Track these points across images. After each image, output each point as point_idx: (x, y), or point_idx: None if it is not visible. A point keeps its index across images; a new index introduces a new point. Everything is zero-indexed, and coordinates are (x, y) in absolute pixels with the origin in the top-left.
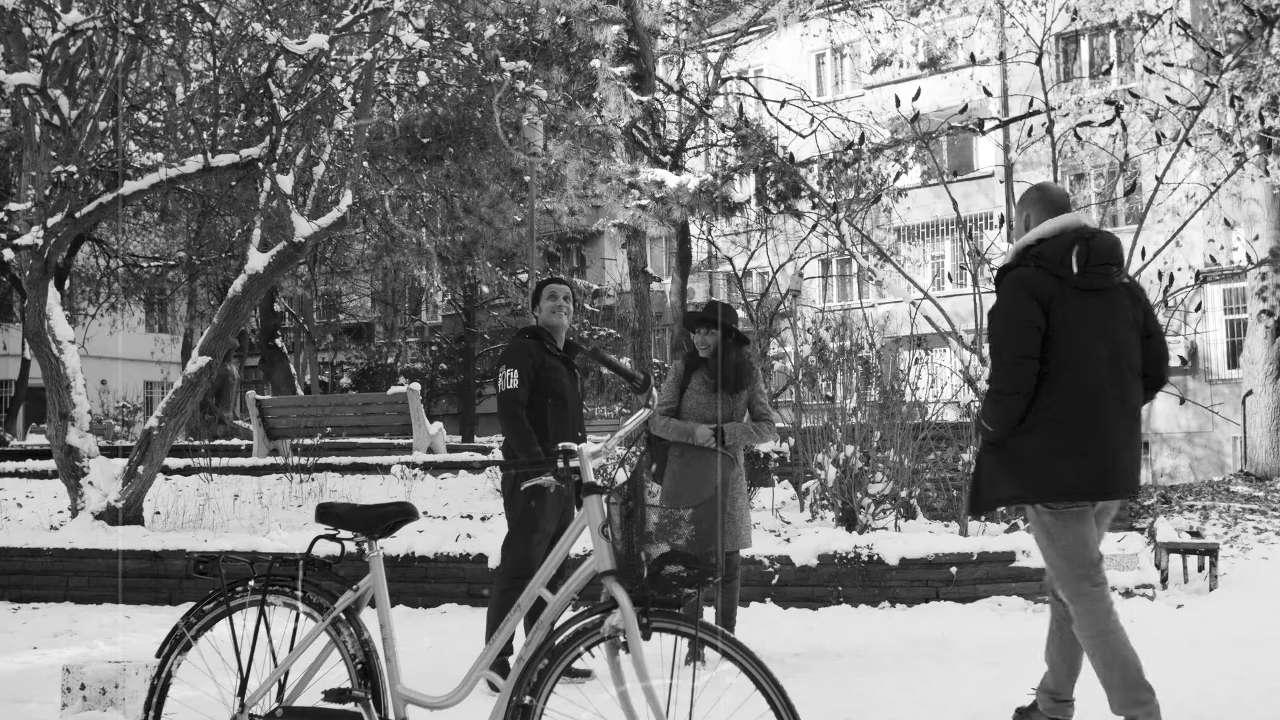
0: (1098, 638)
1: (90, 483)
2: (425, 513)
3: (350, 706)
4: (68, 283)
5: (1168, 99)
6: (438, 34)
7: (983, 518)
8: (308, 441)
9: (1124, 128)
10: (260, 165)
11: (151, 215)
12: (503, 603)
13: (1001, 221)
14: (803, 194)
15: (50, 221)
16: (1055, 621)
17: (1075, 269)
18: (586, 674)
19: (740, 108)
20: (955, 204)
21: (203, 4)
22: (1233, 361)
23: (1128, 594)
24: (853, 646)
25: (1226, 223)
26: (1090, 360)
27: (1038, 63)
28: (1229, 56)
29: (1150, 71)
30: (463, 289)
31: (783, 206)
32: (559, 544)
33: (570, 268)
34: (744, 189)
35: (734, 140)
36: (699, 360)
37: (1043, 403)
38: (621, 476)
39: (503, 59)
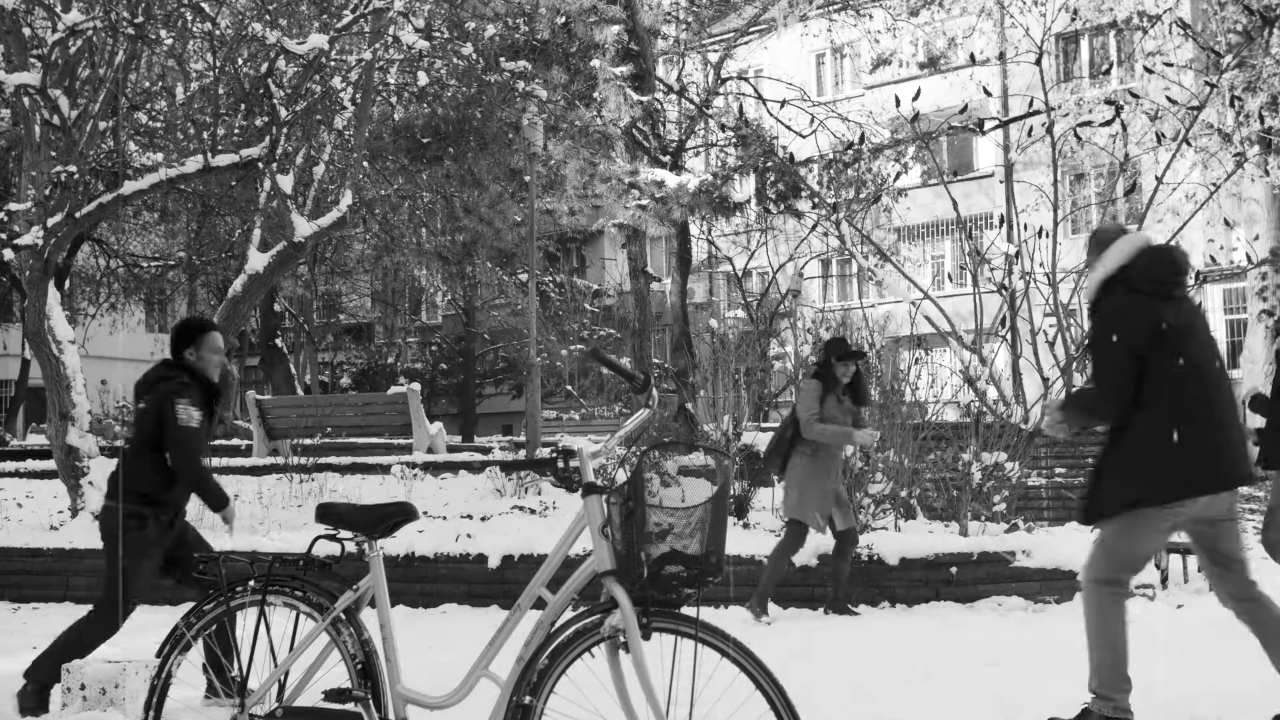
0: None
1: (90, 483)
2: (425, 513)
3: (350, 706)
4: (68, 283)
5: (1168, 99)
6: (438, 34)
7: (982, 517)
8: (308, 441)
9: (1124, 128)
10: (260, 165)
11: (151, 215)
12: None
13: (1002, 221)
14: (803, 194)
15: (50, 221)
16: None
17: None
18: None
19: (740, 108)
20: (955, 204)
21: (203, 4)
22: (1233, 361)
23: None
24: (853, 646)
25: (1226, 223)
26: None
27: (1038, 63)
28: (1229, 56)
29: (1150, 71)
30: (463, 289)
31: (783, 206)
32: (559, 544)
33: (570, 268)
34: (744, 189)
35: (734, 140)
36: (831, 380)
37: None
38: (621, 476)
39: (503, 59)
